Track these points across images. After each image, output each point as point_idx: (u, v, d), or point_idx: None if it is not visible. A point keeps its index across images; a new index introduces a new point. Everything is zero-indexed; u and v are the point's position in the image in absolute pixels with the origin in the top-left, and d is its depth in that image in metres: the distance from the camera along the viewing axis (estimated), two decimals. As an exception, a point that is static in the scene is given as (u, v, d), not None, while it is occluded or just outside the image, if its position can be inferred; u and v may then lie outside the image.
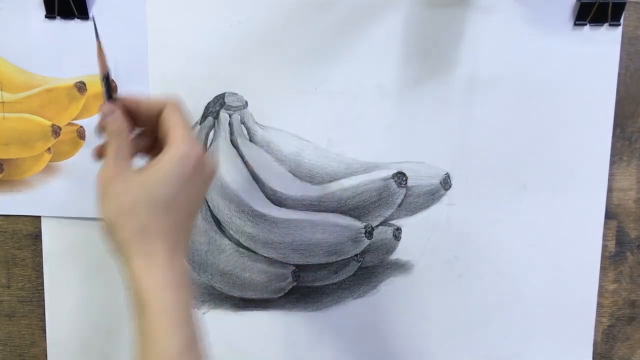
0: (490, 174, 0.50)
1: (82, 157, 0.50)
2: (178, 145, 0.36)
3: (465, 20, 0.48)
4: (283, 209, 0.51)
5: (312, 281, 0.53)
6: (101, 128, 0.39)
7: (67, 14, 0.48)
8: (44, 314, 0.53)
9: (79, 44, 0.48)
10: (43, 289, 0.53)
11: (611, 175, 0.51)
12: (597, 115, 0.50)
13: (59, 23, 0.48)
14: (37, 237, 0.52)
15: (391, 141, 0.50)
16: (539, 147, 0.50)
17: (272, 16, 0.48)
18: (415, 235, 0.52)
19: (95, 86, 0.49)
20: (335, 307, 0.53)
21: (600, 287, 0.52)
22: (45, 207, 0.51)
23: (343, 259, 0.52)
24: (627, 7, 0.48)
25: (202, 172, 0.37)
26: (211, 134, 0.51)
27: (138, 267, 0.36)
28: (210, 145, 0.51)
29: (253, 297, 0.53)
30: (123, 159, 0.37)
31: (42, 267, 0.52)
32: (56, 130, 0.50)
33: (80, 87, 0.49)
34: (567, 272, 0.52)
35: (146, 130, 0.40)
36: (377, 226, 0.52)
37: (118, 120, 0.38)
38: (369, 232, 0.51)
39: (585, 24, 0.48)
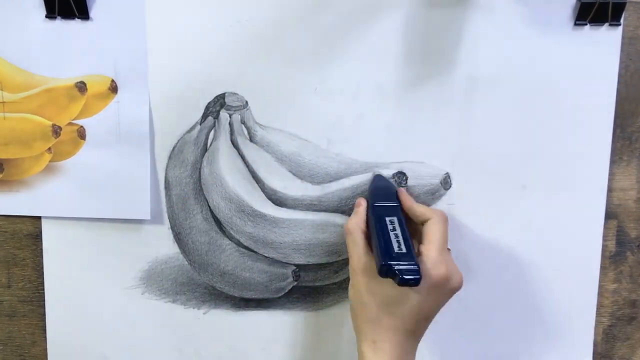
0: (490, 174, 0.51)
1: (83, 157, 0.50)
2: (428, 263, 0.41)
3: (465, 20, 0.48)
4: (283, 209, 0.51)
5: (313, 281, 0.53)
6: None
7: (67, 14, 0.48)
8: (44, 314, 0.53)
9: (80, 44, 0.48)
10: (43, 289, 0.53)
11: (611, 175, 0.51)
12: (597, 115, 0.50)
13: (59, 23, 0.48)
14: (37, 237, 0.52)
15: (391, 141, 0.50)
16: (539, 147, 0.50)
17: (272, 16, 0.48)
18: (416, 235, 0.52)
19: (95, 86, 0.49)
20: (336, 307, 0.53)
21: (601, 286, 0.52)
22: (46, 207, 0.51)
23: (343, 259, 0.52)
24: (627, 7, 0.48)
25: (442, 289, 0.42)
26: (211, 134, 0.51)
27: (365, 349, 0.42)
28: (210, 145, 0.51)
29: (253, 297, 0.53)
30: (367, 248, 0.43)
31: (42, 267, 0.52)
32: (56, 130, 0.50)
33: (81, 87, 0.49)
34: (567, 272, 0.52)
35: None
36: (377, 226, 0.52)
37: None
38: (369, 232, 0.51)
39: (586, 24, 0.48)
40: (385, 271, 0.38)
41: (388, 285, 0.40)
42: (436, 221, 0.44)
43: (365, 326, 0.42)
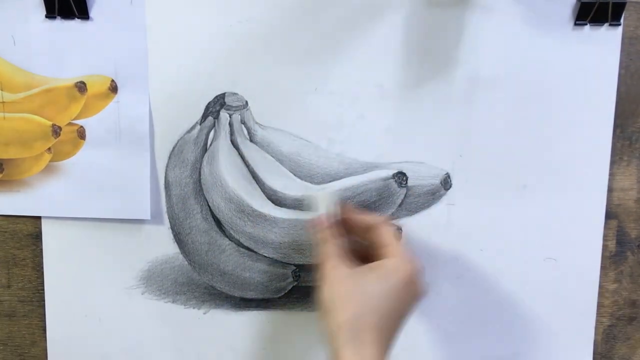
0: (491, 174, 0.51)
1: (83, 157, 0.50)
2: (397, 258, 0.41)
3: (465, 20, 0.48)
4: (283, 209, 0.51)
5: (313, 281, 0.53)
6: (320, 237, 0.44)
7: (67, 14, 0.48)
8: (44, 314, 0.53)
9: (80, 43, 0.48)
10: (43, 289, 0.53)
11: (611, 175, 0.51)
12: (597, 115, 0.50)
13: (59, 23, 0.48)
14: (37, 237, 0.52)
15: (391, 141, 0.50)
16: (539, 147, 0.50)
17: (272, 16, 0.48)
18: (416, 235, 0.52)
19: (95, 86, 0.49)
20: (336, 307, 0.53)
21: (601, 287, 0.52)
22: (46, 207, 0.51)
23: (343, 259, 0.52)
24: (627, 7, 0.48)
25: (412, 288, 0.41)
26: (211, 134, 0.51)
27: (347, 356, 0.37)
28: (210, 145, 0.51)
29: (253, 297, 0.53)
30: (340, 257, 0.42)
31: (42, 267, 0.52)
32: (56, 130, 0.50)
33: (81, 87, 0.49)
34: (567, 272, 0.52)
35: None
36: (377, 226, 0.52)
37: (333, 231, 0.44)
38: (369, 232, 0.51)
39: (586, 24, 0.48)
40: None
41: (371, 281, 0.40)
42: (387, 225, 0.44)
43: (345, 325, 0.39)
